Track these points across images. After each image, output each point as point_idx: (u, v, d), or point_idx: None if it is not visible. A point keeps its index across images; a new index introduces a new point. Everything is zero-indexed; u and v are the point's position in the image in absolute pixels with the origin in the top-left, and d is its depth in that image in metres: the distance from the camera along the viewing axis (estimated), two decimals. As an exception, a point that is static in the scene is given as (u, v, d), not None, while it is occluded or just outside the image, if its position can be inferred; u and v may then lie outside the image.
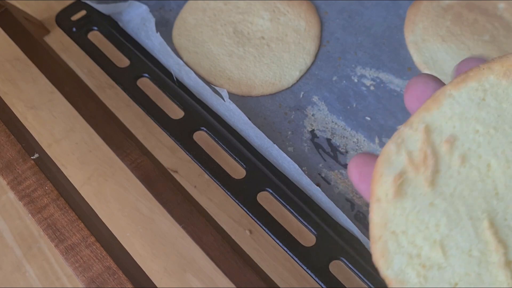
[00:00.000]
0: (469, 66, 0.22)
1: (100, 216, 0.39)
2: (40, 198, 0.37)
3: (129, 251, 0.37)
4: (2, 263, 0.39)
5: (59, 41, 0.48)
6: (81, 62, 0.46)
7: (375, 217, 0.20)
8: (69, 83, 0.45)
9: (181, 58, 0.47)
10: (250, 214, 0.37)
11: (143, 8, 0.47)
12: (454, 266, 0.19)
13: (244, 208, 0.37)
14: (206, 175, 0.40)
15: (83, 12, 0.47)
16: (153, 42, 0.45)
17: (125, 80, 0.44)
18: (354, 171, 0.22)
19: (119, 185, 0.40)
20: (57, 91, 0.44)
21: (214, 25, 0.49)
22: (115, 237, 0.38)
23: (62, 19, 0.47)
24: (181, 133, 0.41)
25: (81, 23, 0.47)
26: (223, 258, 0.37)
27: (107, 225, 0.38)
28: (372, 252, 0.20)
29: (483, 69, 0.21)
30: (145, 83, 0.44)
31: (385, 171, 0.21)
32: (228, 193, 0.38)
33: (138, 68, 0.45)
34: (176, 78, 0.44)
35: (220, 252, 0.38)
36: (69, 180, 0.40)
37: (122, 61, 0.45)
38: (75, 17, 0.47)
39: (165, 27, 0.49)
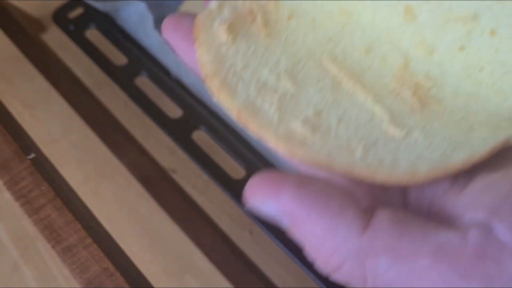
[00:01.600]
0: None
1: (97, 217, 0.38)
2: (37, 199, 0.37)
3: (127, 253, 0.37)
4: (-2, 264, 0.39)
5: (56, 39, 0.47)
6: (78, 60, 0.46)
7: (206, 56, 0.19)
8: (66, 81, 0.45)
9: (179, 56, 0.46)
10: (250, 215, 0.37)
11: (142, 5, 0.46)
12: (308, 93, 0.18)
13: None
14: (205, 175, 0.40)
15: (80, 10, 0.47)
16: (152, 40, 0.45)
17: (123, 78, 0.44)
18: (170, 30, 0.21)
19: (117, 185, 0.40)
20: (53, 89, 0.43)
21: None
22: (113, 238, 0.37)
23: (59, 17, 0.46)
24: (179, 132, 0.41)
25: (78, 21, 0.46)
26: (222, 259, 0.37)
27: (104, 226, 0.38)
28: (209, 90, 0.18)
29: None
30: (143, 82, 0.44)
31: (209, 21, 0.20)
32: (228, 193, 0.38)
33: (136, 66, 0.44)
34: (174, 76, 0.44)
35: (219, 253, 0.37)
36: (66, 180, 0.40)
37: (119, 59, 0.45)
38: (72, 14, 0.47)
39: (163, 25, 0.49)
